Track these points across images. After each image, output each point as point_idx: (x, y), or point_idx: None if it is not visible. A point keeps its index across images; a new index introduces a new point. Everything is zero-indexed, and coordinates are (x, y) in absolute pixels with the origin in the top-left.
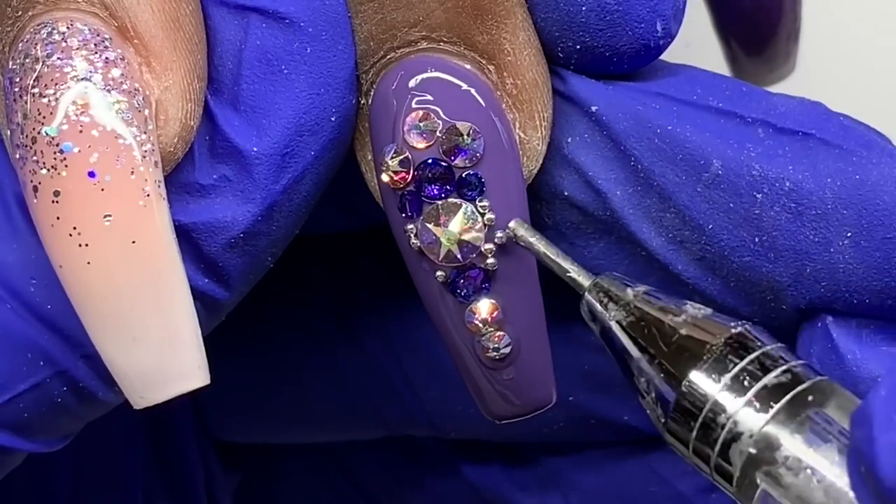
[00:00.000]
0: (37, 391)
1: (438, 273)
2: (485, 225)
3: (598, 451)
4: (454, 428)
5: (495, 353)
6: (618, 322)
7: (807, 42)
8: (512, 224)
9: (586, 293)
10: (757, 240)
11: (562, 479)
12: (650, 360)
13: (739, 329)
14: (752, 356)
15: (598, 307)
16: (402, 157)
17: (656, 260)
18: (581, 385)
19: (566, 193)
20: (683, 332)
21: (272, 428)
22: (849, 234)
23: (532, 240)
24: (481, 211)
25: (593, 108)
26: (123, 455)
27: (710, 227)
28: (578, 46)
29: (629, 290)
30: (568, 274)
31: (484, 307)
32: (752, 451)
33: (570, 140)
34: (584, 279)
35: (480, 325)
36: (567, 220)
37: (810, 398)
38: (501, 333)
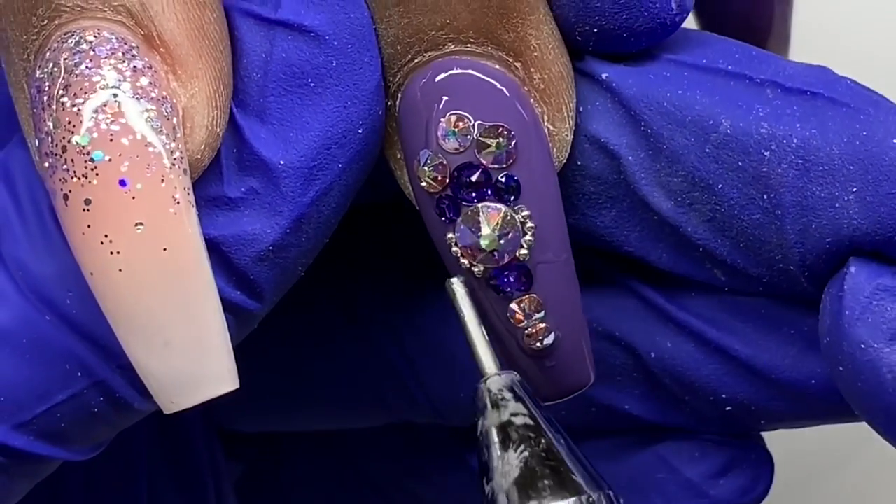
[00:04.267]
0: (74, 401)
1: (480, 273)
2: (521, 223)
3: (604, 440)
4: (457, 415)
5: (539, 345)
6: (497, 427)
7: (798, 47)
8: (453, 281)
9: (482, 382)
10: (765, 197)
11: None
12: (501, 480)
13: (608, 492)
14: None
15: (487, 402)
16: (437, 162)
17: (667, 223)
18: None
19: (578, 163)
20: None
21: (275, 415)
22: (854, 190)
23: (463, 306)
24: (517, 210)
25: (603, 76)
26: (129, 442)
27: (720, 186)
28: (595, 30)
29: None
30: (478, 355)
31: (525, 301)
32: None
33: (581, 109)
34: (489, 367)
35: (523, 318)
36: (579, 192)
37: None
38: (544, 325)
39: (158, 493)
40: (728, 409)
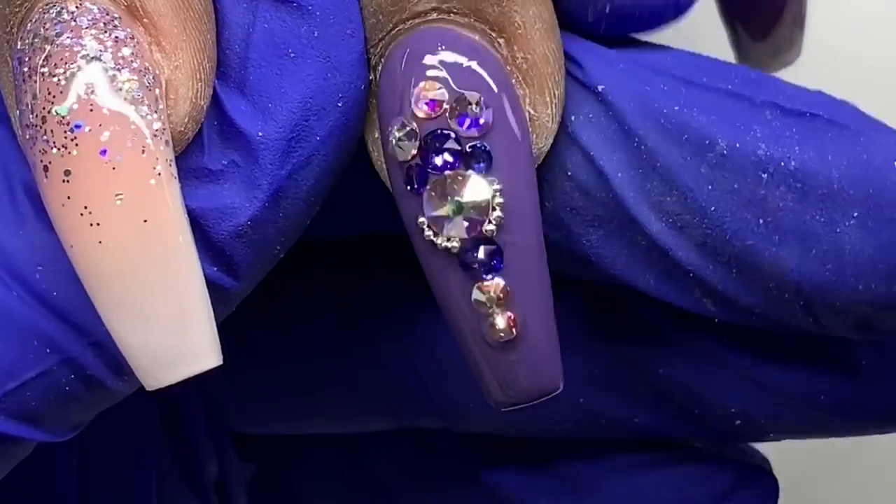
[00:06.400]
0: (44, 379)
1: (444, 247)
2: (492, 198)
3: (611, 459)
4: (464, 423)
5: (501, 335)
6: None
7: (812, 28)
8: None
9: None
10: (761, 221)
11: (579, 484)
12: None
13: None
14: None
15: None
16: (408, 129)
17: (656, 247)
18: (592, 386)
19: (569, 172)
20: None
21: (282, 420)
22: (855, 214)
23: None
24: (489, 183)
25: (600, 88)
26: (140, 446)
27: (713, 209)
28: (608, 10)
29: None
30: None
31: (491, 286)
32: None
33: (573, 118)
34: None
35: (487, 304)
36: (567, 205)
37: None
38: (509, 314)
39: (169, 495)
40: (737, 422)
